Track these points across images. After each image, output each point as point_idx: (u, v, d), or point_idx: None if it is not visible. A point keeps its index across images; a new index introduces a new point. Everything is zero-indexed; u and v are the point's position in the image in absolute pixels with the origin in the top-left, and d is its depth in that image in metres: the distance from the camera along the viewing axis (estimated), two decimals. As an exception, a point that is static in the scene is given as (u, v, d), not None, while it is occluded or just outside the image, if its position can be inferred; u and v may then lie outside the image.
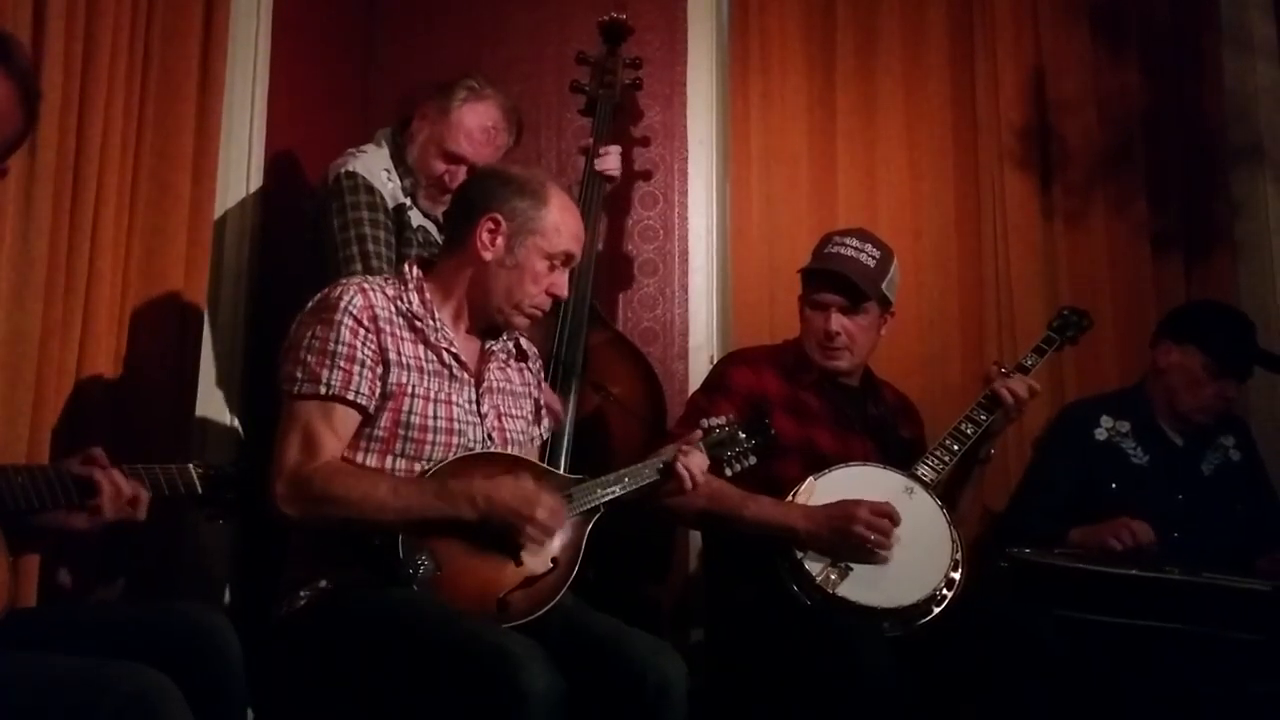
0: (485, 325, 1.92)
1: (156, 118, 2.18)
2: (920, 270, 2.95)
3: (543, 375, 2.12)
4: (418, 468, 1.78)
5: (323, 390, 1.73)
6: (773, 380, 2.29)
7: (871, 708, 1.81)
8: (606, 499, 1.85)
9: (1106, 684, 2.07)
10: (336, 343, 1.74)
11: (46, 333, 1.87)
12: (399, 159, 2.40)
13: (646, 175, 3.15)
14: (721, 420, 2.02)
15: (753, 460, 2.03)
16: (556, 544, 1.80)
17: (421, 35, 3.25)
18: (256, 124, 2.57)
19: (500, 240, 1.84)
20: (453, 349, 1.85)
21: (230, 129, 2.45)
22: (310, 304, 1.82)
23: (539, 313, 1.91)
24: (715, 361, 2.71)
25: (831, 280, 2.25)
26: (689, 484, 1.91)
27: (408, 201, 2.38)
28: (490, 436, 1.86)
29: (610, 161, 2.69)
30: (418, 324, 1.83)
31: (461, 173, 2.32)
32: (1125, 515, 2.31)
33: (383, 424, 1.77)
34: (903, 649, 1.91)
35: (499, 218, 1.84)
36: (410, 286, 1.85)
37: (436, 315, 1.85)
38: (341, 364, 1.73)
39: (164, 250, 2.18)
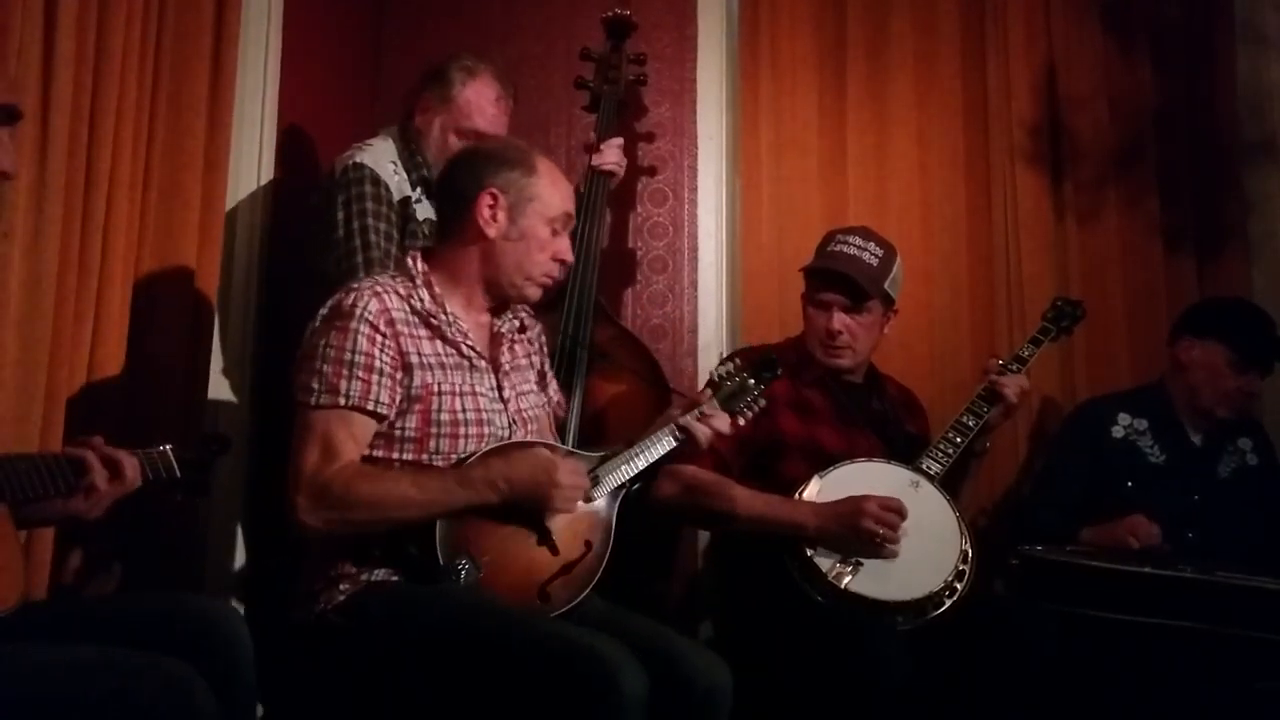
0: (498, 303, 1.90)
1: (168, 111, 2.18)
2: (930, 267, 2.94)
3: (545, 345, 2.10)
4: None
5: (341, 401, 1.69)
6: (777, 377, 2.29)
7: (883, 704, 1.81)
8: (633, 474, 1.84)
9: (1117, 682, 2.06)
10: (354, 352, 1.71)
11: (59, 327, 1.88)
12: (407, 154, 2.42)
13: (655, 171, 3.15)
14: (729, 368, 2.00)
15: (763, 404, 2.00)
16: (587, 527, 1.80)
17: (430, 31, 3.25)
18: (268, 118, 2.59)
19: (501, 214, 1.83)
20: (469, 340, 1.83)
21: (241, 123, 2.46)
22: (324, 310, 1.77)
23: (550, 280, 1.90)
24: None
25: (834, 279, 2.25)
26: (704, 446, 1.92)
27: (414, 194, 2.39)
28: (514, 420, 1.85)
29: (609, 156, 2.67)
30: (433, 321, 1.80)
31: None
32: (1138, 513, 2.30)
33: (413, 425, 1.74)
34: (914, 645, 1.90)
35: (496, 192, 1.82)
36: (419, 283, 1.82)
37: (448, 309, 1.82)
38: (360, 374, 1.70)
39: (176, 243, 2.19)
